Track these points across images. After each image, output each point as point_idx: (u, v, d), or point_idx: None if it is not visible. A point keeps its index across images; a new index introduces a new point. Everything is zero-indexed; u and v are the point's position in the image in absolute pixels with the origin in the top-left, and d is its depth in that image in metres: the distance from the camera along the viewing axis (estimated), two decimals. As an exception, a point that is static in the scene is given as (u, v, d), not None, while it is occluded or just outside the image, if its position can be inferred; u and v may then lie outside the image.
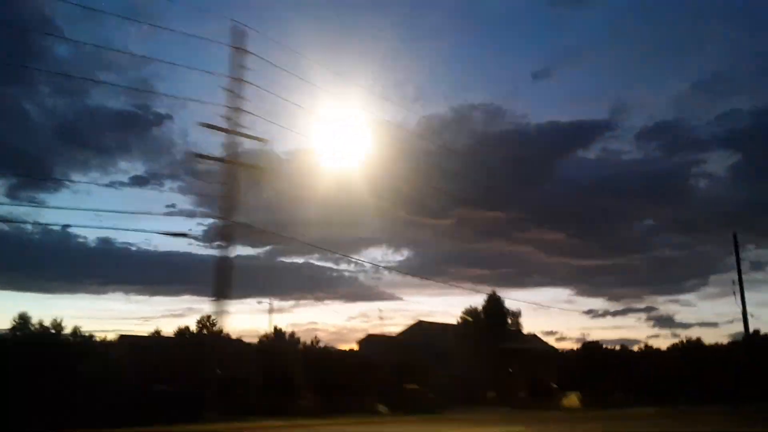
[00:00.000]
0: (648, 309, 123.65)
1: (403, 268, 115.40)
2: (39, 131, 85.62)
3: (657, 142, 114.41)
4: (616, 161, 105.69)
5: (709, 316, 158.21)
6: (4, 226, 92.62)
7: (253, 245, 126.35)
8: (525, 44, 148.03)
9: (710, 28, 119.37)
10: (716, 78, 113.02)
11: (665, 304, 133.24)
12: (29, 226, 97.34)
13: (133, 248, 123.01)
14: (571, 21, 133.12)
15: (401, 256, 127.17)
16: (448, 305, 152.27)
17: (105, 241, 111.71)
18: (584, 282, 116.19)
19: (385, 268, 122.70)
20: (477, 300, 75.80)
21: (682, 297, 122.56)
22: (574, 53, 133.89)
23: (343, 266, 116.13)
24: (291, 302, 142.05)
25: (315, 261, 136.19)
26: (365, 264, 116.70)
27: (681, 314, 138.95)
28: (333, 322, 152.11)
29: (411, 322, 75.30)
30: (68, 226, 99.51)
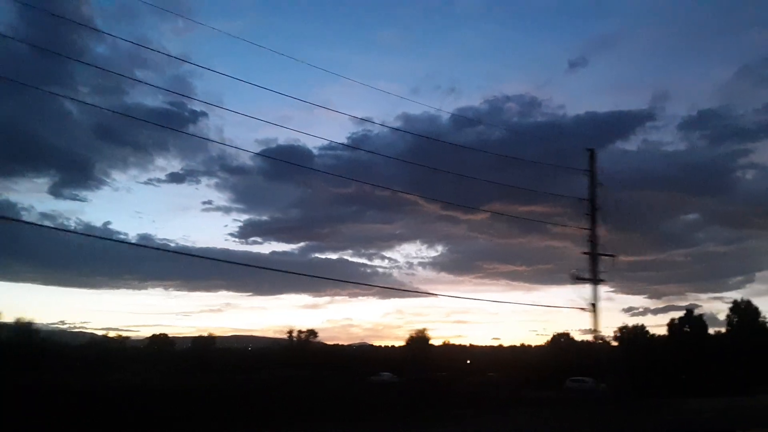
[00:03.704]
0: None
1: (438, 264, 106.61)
2: (79, 130, 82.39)
3: (701, 132, 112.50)
4: (658, 153, 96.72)
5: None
6: (49, 224, 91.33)
7: (288, 241, 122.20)
8: (561, 32, 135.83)
9: (755, 9, 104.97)
10: (763, 62, 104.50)
11: (709, 302, 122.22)
12: (72, 224, 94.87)
13: (172, 244, 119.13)
14: (608, 6, 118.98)
15: (435, 251, 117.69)
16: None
17: (145, 238, 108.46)
18: (623, 278, 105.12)
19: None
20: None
21: (728, 294, 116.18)
22: (611, 40, 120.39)
23: (376, 262, 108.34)
24: (326, 298, 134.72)
25: (349, 257, 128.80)
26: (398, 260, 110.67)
27: (724, 313, 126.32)
28: (367, 318, 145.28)
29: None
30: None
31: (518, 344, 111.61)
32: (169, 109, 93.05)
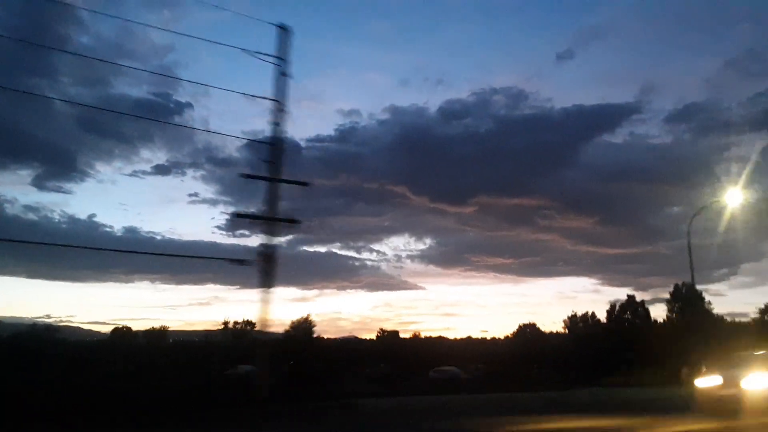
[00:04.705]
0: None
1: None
2: (63, 121, 77.75)
3: (687, 125, 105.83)
4: (644, 146, 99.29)
5: (740, 306, 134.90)
6: (33, 216, 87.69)
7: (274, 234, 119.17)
8: (548, 24, 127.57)
9: (742, 3, 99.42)
10: (749, 56, 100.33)
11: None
12: (56, 216, 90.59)
13: (159, 237, 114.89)
14: None
15: (423, 244, 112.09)
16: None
17: (131, 231, 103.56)
18: (610, 271, 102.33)
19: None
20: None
21: (713, 287, 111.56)
22: (599, 33, 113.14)
23: (365, 255, 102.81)
24: (314, 291, 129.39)
25: (337, 250, 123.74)
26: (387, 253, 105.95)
27: (711, 305, 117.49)
28: (356, 311, 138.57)
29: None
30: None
31: (502, 336, 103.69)
32: (153, 100, 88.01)
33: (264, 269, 15.89)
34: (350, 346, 78.75)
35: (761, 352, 14.83)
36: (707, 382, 13.17)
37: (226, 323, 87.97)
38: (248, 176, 16.17)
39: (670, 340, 39.81)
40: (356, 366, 51.76)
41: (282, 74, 17.05)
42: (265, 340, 16.44)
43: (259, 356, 15.97)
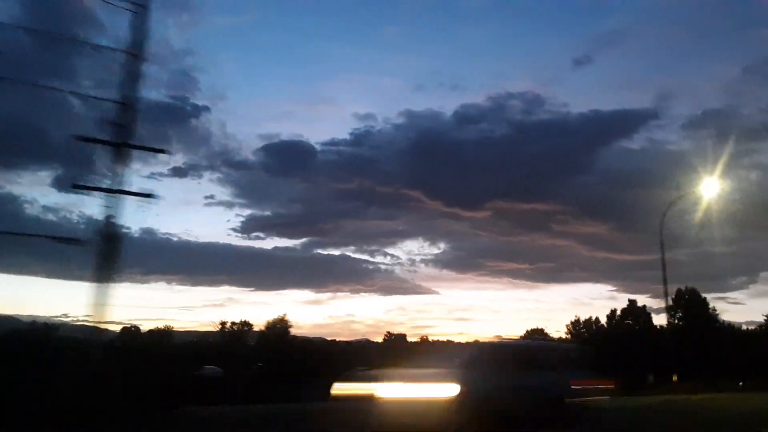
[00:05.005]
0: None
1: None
2: (82, 123, 78.34)
3: (705, 131, 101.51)
4: (662, 152, 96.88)
5: (757, 315, 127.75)
6: (52, 217, 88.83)
7: (290, 237, 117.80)
8: (565, 29, 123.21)
9: (762, 8, 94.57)
10: None
11: (712, 302, 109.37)
12: (74, 217, 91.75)
13: (175, 239, 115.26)
14: (612, 4, 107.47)
15: (437, 249, 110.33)
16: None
17: (148, 232, 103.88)
18: (626, 277, 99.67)
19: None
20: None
21: (730, 295, 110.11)
22: (616, 38, 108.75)
23: (379, 259, 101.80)
24: (328, 294, 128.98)
25: (351, 253, 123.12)
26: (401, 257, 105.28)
27: (729, 313, 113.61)
28: (370, 314, 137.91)
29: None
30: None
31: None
32: (171, 103, 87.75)
33: (103, 252, 13.07)
34: (360, 348, 76.07)
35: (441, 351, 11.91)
36: (345, 388, 10.05)
37: (223, 324, 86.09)
38: (87, 139, 13.45)
39: (666, 346, 36.11)
40: (348, 368, 49.25)
41: (140, 23, 14.29)
42: (96, 339, 13.65)
43: (91, 358, 13.19)
